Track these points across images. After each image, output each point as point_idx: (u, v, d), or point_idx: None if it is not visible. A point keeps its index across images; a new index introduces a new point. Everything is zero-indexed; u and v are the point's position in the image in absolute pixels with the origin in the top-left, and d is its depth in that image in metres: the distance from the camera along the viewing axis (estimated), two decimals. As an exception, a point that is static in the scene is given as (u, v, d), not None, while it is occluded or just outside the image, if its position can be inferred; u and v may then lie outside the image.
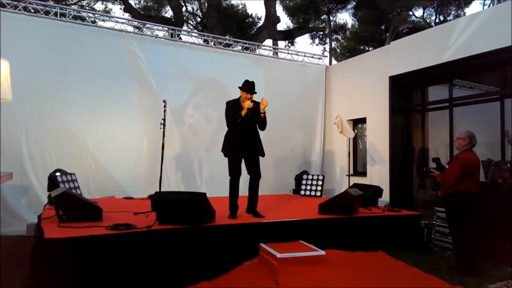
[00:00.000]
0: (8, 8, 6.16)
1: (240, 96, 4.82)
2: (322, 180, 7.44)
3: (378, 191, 6.10)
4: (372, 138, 7.52)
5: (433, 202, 5.90)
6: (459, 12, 17.09)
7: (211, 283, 3.64)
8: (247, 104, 4.60)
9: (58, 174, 5.34)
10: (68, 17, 6.68)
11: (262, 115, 4.69)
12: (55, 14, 6.56)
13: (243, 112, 4.60)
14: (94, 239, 3.45)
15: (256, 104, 4.70)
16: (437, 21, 18.14)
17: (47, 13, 6.53)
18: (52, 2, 7.15)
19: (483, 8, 16.67)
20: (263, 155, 4.91)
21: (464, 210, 4.24)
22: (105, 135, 6.63)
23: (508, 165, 4.85)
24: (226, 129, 4.97)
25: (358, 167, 8.23)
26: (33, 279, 3.33)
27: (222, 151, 4.92)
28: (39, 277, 3.22)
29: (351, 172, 7.78)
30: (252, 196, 4.88)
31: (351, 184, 6.74)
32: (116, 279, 3.44)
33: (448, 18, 17.53)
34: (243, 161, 4.84)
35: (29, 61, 6.05)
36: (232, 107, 4.78)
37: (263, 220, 4.61)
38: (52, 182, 5.17)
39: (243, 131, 4.75)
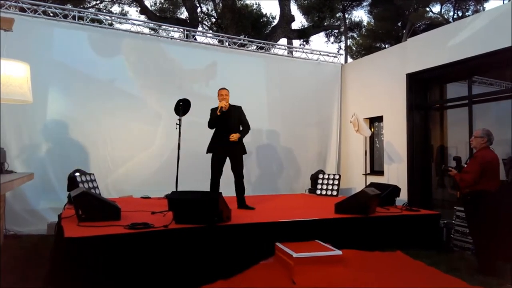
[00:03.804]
0: (28, 12, 6.31)
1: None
2: (338, 180, 7.38)
3: (395, 190, 6.01)
4: (389, 136, 7.42)
5: (453, 202, 5.78)
6: (478, 7, 16.70)
7: (227, 282, 3.66)
8: (222, 104, 5.23)
9: (77, 174, 5.44)
10: (86, 20, 6.81)
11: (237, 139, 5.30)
12: (73, 17, 6.69)
13: (218, 112, 5.23)
14: (112, 238, 3.51)
15: (231, 107, 5.33)
16: (455, 17, 17.74)
17: (65, 16, 6.67)
18: (70, 6, 7.27)
19: (503, 3, 16.24)
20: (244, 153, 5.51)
21: (484, 209, 4.14)
22: (123, 136, 6.74)
23: (530, 163, 4.72)
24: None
25: (375, 166, 8.12)
26: (54, 277, 3.40)
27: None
28: (59, 275, 3.29)
29: (368, 171, 7.71)
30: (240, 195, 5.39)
31: (367, 183, 6.67)
32: (134, 277, 3.49)
33: (466, 14, 17.14)
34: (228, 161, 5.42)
35: (48, 64, 6.19)
36: (213, 110, 5.41)
37: (279, 220, 4.61)
38: (72, 182, 5.27)
39: (219, 132, 5.35)
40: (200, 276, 3.68)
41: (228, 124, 5.30)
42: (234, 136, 5.22)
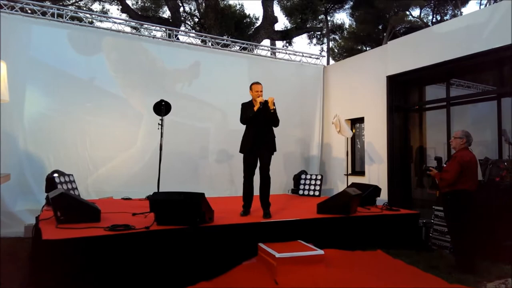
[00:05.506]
0: (5, 9, 6.14)
1: (252, 97, 5.03)
2: (321, 180, 7.44)
3: (376, 190, 6.10)
4: (370, 137, 7.54)
5: (431, 201, 5.92)
6: (456, 11, 17.15)
7: (210, 283, 3.64)
8: (260, 99, 4.85)
9: (56, 175, 5.33)
10: (65, 17, 6.67)
11: (272, 110, 4.90)
12: (52, 14, 6.55)
13: (256, 108, 4.84)
14: (92, 240, 3.44)
15: (266, 103, 4.92)
16: (434, 20, 18.20)
17: (44, 13, 6.51)
18: (49, 3, 7.12)
19: (480, 8, 16.73)
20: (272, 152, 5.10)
21: (462, 209, 4.25)
22: (103, 136, 6.63)
23: (505, 163, 4.87)
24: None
25: (356, 166, 8.23)
26: (32, 280, 3.32)
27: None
28: (38, 278, 3.21)
29: (350, 172, 7.80)
30: (260, 195, 4.97)
31: (349, 184, 6.75)
32: (115, 280, 3.43)
33: (445, 18, 17.58)
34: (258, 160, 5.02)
35: (25, 62, 6.04)
36: (246, 107, 5.04)
37: (262, 220, 4.61)
38: (50, 183, 5.15)
39: (254, 129, 4.97)
40: (182, 278, 3.65)
41: (261, 122, 4.95)
42: (271, 99, 4.87)
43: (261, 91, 4.95)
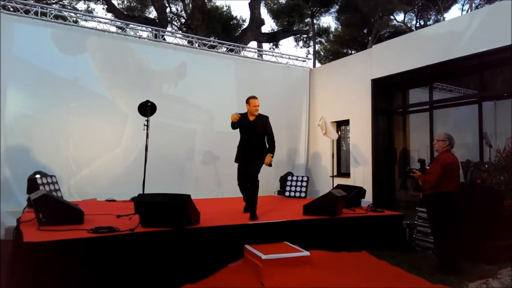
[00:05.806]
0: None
1: (248, 111, 5.16)
2: (307, 181, 7.49)
3: (361, 192, 6.17)
4: (355, 139, 7.62)
5: (415, 203, 6.01)
6: (438, 17, 17.51)
7: (196, 285, 3.62)
8: (234, 117, 4.93)
9: (38, 176, 5.23)
10: (49, 16, 6.56)
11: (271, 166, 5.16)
12: (36, 13, 6.43)
13: (231, 124, 5.02)
14: (75, 243, 3.39)
15: (257, 117, 5.09)
16: (417, 25, 18.55)
17: (27, 12, 6.39)
18: (32, 1, 6.98)
19: (462, 14, 17.12)
20: (268, 164, 5.14)
21: (445, 210, 4.32)
22: (87, 136, 6.53)
23: (486, 166, 4.97)
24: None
25: (342, 168, 8.31)
26: (13, 283, 3.24)
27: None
28: (19, 281, 3.14)
29: (335, 173, 7.87)
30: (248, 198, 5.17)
31: (335, 185, 6.80)
32: (99, 283, 3.38)
33: (428, 23, 17.94)
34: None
35: (7, 61, 5.91)
36: (240, 117, 5.09)
37: (248, 222, 4.61)
38: (32, 184, 5.05)
39: (245, 138, 5.17)
40: (167, 281, 3.62)
41: (252, 134, 5.08)
42: (268, 160, 5.03)
43: (258, 106, 5.06)
